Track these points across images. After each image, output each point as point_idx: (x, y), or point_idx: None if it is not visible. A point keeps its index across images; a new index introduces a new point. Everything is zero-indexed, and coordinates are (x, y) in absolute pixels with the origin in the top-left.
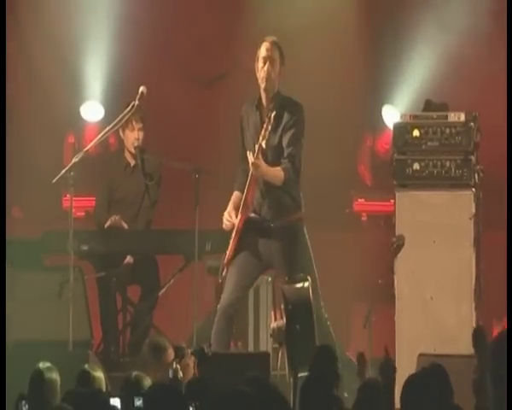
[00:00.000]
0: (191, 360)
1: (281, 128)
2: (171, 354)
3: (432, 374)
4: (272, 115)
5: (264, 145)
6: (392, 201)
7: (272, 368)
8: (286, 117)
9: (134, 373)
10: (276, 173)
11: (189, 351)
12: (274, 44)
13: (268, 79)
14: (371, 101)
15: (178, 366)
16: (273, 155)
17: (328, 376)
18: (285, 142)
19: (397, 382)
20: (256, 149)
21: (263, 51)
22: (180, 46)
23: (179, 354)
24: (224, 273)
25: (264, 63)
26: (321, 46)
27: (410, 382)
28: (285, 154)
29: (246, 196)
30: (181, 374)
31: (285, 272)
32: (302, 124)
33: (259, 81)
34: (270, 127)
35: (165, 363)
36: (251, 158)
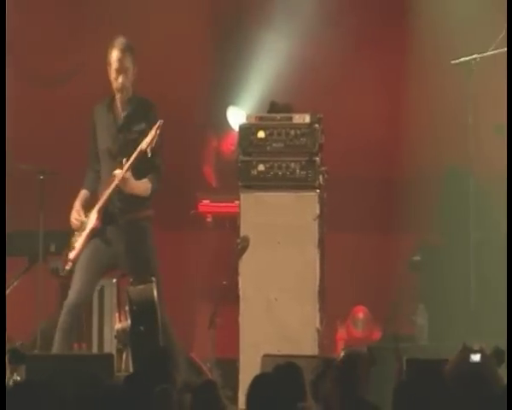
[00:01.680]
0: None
1: (137, 131)
2: None
3: (281, 374)
4: (157, 126)
5: (132, 158)
6: (236, 202)
7: (116, 369)
8: (142, 120)
9: None
10: (145, 186)
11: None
12: (125, 51)
13: (122, 88)
14: (216, 102)
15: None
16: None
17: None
18: (147, 148)
19: (241, 383)
20: (125, 163)
21: (114, 61)
22: (21, 46)
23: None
24: (67, 268)
25: (118, 74)
26: (168, 46)
27: (256, 382)
28: (152, 163)
29: (105, 201)
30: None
31: (129, 271)
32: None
33: (114, 86)
34: (149, 139)
35: None
36: (119, 173)
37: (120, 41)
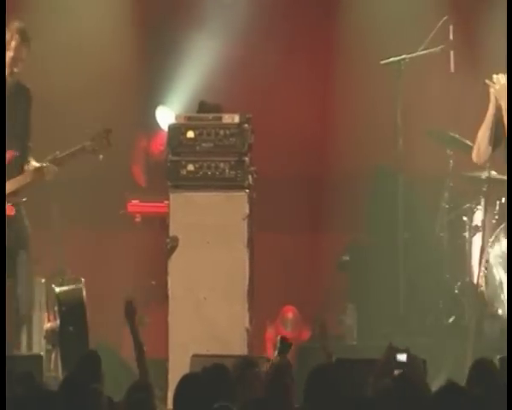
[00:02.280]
0: None
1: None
2: None
3: (208, 375)
4: None
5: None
6: (166, 202)
7: (45, 370)
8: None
9: None
10: None
11: None
12: (22, 43)
13: (12, 73)
14: (145, 102)
15: None
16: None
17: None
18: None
19: (170, 382)
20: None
21: (11, 50)
22: None
23: None
24: None
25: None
26: (96, 44)
27: (183, 383)
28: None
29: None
30: None
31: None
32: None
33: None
34: None
35: None
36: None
37: (19, 29)
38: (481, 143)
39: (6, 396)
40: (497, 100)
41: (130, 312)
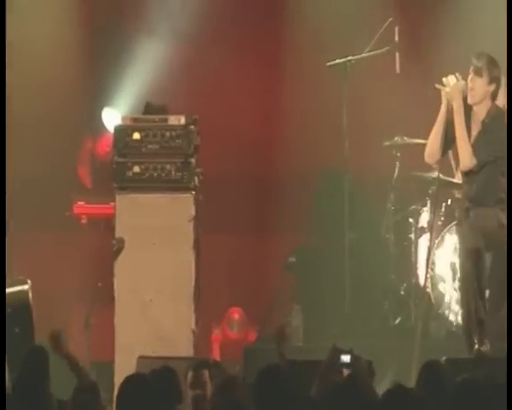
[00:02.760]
0: None
1: None
2: None
3: (154, 376)
4: None
5: None
6: (112, 203)
7: None
8: None
9: None
10: None
11: None
12: None
13: None
14: (91, 103)
15: None
16: None
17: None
18: None
19: (116, 384)
20: None
21: None
22: None
23: None
24: None
25: None
26: (42, 45)
27: (125, 384)
28: None
29: None
30: None
31: None
32: None
33: None
34: None
35: None
36: None
37: None
38: (433, 143)
39: None
40: (448, 102)
41: (56, 344)
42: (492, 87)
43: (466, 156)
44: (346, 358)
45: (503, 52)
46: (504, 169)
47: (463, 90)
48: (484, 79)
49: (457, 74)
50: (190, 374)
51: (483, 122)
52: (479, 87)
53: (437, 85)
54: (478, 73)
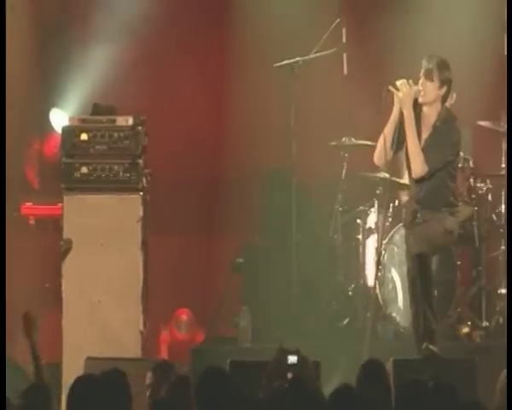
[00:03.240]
0: None
1: None
2: None
3: (103, 377)
4: None
5: None
6: (60, 204)
7: None
8: None
9: None
10: None
11: None
12: None
13: None
14: (39, 103)
15: None
16: None
17: None
18: None
19: (64, 386)
20: None
21: None
22: None
23: None
24: None
25: None
26: None
27: (75, 385)
28: None
29: None
30: None
31: None
32: None
33: None
34: None
35: None
36: None
37: None
38: (383, 145)
39: None
40: (400, 105)
41: (29, 327)
42: (443, 90)
43: (418, 165)
44: (293, 359)
45: (453, 54)
46: (454, 173)
47: (415, 96)
48: (434, 82)
49: (410, 81)
50: (149, 375)
51: (434, 126)
52: (429, 91)
53: (390, 88)
54: (428, 76)
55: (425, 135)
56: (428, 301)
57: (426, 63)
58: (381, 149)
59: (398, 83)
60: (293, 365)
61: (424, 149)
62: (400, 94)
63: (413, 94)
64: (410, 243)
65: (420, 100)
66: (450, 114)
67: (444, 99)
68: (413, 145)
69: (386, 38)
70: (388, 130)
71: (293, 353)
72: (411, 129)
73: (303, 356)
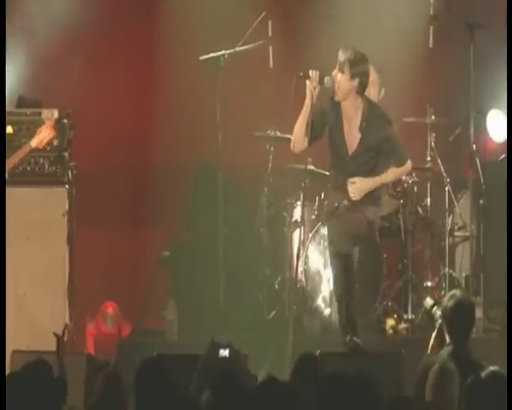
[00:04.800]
0: None
1: None
2: None
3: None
4: None
5: None
6: None
7: None
8: None
9: None
10: None
11: None
12: None
13: None
14: None
15: None
16: None
17: None
18: None
19: None
20: None
21: None
22: None
23: None
24: None
25: None
26: None
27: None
28: None
29: None
30: None
31: None
32: None
33: None
34: None
35: None
36: None
37: None
38: (298, 133)
39: None
40: (312, 94)
41: None
42: (355, 82)
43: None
44: (224, 352)
45: (376, 46)
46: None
47: (327, 86)
48: (345, 74)
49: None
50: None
51: (361, 126)
52: (341, 82)
53: (301, 74)
54: (340, 68)
55: (346, 128)
56: (352, 293)
57: (339, 55)
58: (296, 137)
59: (311, 71)
60: (224, 358)
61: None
62: (314, 83)
63: (323, 82)
64: (332, 235)
65: (335, 96)
66: (375, 110)
67: (360, 91)
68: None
69: (311, 31)
70: (302, 119)
71: (224, 346)
72: (305, 110)
73: (235, 349)
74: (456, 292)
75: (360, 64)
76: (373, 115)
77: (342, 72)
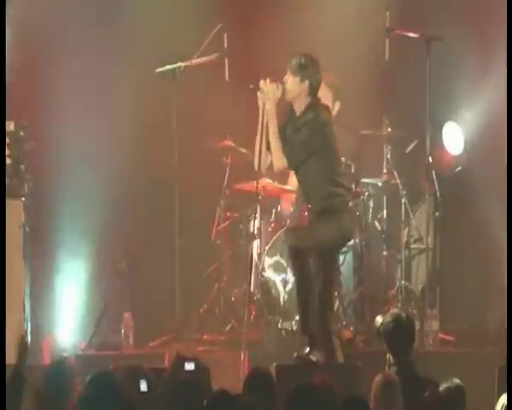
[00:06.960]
0: None
1: None
2: None
3: None
4: None
5: None
6: None
7: None
8: None
9: None
10: None
11: None
12: None
13: None
14: None
15: None
16: None
17: None
18: None
19: None
20: None
21: None
22: None
23: None
24: None
25: None
26: None
27: None
28: None
29: None
30: None
31: None
32: None
33: None
34: None
35: None
36: None
37: None
38: (259, 150)
39: None
40: (264, 105)
41: None
42: (305, 84)
43: (277, 159)
44: (189, 365)
45: (332, 59)
46: (326, 159)
47: (276, 94)
48: (296, 77)
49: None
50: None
51: (305, 123)
52: (291, 84)
53: (251, 86)
54: (291, 72)
55: (289, 130)
56: (308, 304)
57: (291, 60)
58: (258, 156)
59: (262, 81)
60: (190, 371)
61: (293, 144)
62: (265, 93)
63: (276, 91)
64: (290, 244)
65: (287, 96)
66: (316, 106)
67: (311, 93)
68: (273, 140)
69: (267, 42)
70: (259, 134)
71: (190, 360)
72: (272, 123)
73: (200, 363)
74: (395, 310)
75: (311, 67)
76: (310, 118)
77: (293, 74)
